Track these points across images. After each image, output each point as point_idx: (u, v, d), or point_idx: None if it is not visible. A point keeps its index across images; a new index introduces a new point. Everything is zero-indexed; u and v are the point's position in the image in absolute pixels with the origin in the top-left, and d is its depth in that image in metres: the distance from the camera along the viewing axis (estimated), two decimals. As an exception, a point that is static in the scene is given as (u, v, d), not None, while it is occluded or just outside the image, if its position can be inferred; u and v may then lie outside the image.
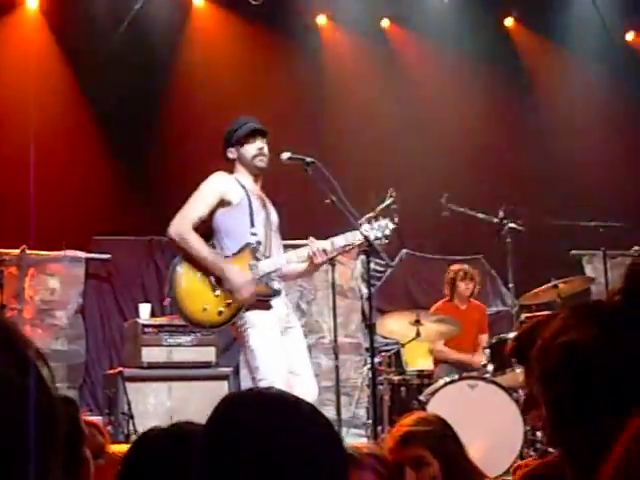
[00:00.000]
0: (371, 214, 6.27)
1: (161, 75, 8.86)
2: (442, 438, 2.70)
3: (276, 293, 4.92)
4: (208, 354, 7.14)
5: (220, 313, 4.81)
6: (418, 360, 7.42)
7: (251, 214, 4.95)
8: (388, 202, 6.60)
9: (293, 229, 7.96)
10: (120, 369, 7.05)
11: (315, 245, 4.96)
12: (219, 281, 4.84)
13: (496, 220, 7.21)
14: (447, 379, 6.44)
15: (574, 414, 1.19)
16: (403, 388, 6.78)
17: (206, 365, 7.16)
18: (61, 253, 7.90)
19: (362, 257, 7.58)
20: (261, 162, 5.05)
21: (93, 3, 8.59)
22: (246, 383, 7.65)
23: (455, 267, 7.35)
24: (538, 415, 1.30)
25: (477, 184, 8.83)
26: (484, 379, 6.58)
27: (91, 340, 7.97)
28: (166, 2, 9.00)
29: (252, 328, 4.80)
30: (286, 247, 7.96)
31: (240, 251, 4.91)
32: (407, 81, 9.64)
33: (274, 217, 5.22)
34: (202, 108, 8.80)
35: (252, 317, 4.82)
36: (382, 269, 8.09)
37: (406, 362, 7.49)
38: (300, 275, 5.45)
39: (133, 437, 6.66)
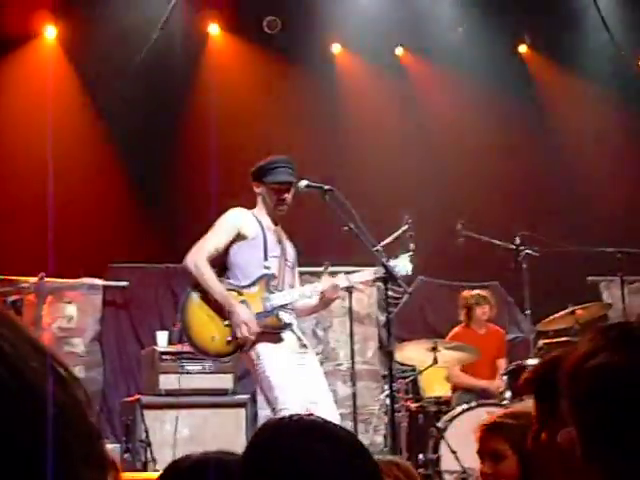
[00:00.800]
0: (388, 240, 6.31)
1: (178, 104, 8.93)
2: (525, 434, 2.70)
3: (286, 326, 5.01)
4: (225, 381, 7.13)
5: (228, 343, 4.91)
6: (435, 387, 7.39)
7: (265, 249, 5.06)
8: (404, 228, 6.64)
9: (311, 256, 7.99)
10: (137, 396, 7.05)
11: (329, 282, 5.08)
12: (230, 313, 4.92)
13: (512, 246, 7.22)
14: (465, 406, 6.43)
15: (609, 436, 1.19)
16: (421, 415, 6.77)
17: (223, 392, 7.15)
18: (79, 281, 7.94)
19: (379, 284, 7.59)
20: (281, 211, 5.18)
21: (111, 33, 8.68)
22: (263, 411, 7.65)
23: (468, 293, 7.35)
24: (569, 436, 1.30)
25: (493, 211, 8.83)
26: (502, 406, 6.56)
27: (108, 367, 7.98)
28: (182, 32, 9.08)
29: (264, 359, 4.87)
30: (303, 274, 7.98)
31: (254, 283, 5.01)
32: (422, 109, 9.68)
33: (290, 253, 5.30)
34: (218, 137, 8.84)
35: (263, 349, 4.90)
36: (398, 295, 8.08)
37: (423, 389, 7.46)
38: (313, 310, 5.50)
39: (150, 465, 6.65)
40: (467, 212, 7.88)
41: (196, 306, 4.98)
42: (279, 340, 4.97)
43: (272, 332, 4.96)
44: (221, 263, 5.07)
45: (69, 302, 7.89)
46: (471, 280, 8.77)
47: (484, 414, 6.24)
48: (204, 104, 9.01)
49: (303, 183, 5.16)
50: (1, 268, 7.59)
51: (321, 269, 7.80)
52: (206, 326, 4.93)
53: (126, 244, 8.32)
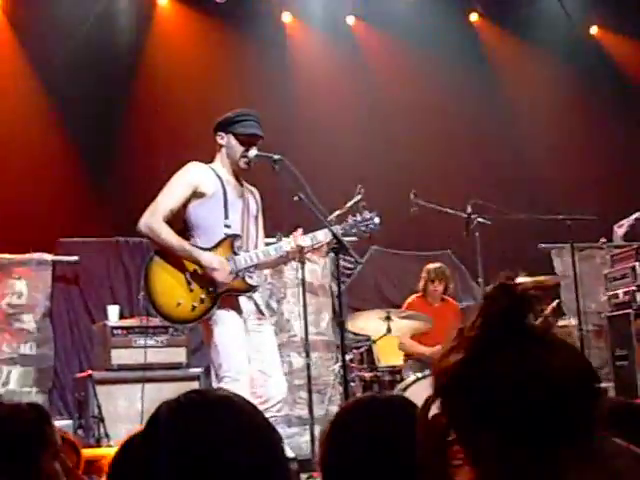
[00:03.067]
0: (341, 210, 6.29)
1: (126, 73, 8.78)
2: None
3: (252, 288, 4.90)
4: (178, 355, 7.10)
5: (193, 308, 4.80)
6: (390, 356, 7.43)
7: (225, 205, 4.92)
8: (356, 199, 6.61)
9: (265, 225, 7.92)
10: (90, 372, 6.99)
11: (294, 243, 4.95)
12: (194, 276, 4.81)
13: (464, 215, 7.23)
14: (419, 374, 6.46)
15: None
16: (375, 385, 6.79)
17: (177, 366, 7.12)
18: (28, 256, 7.80)
19: (331, 254, 7.57)
20: (245, 165, 5.02)
21: (57, 2, 8.50)
22: (217, 384, 7.62)
23: (429, 267, 7.32)
24: None
25: (445, 180, 8.86)
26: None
27: (60, 343, 7.87)
28: (130, 1, 8.92)
29: (218, 326, 4.79)
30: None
31: (218, 244, 4.87)
32: (373, 78, 9.64)
33: (253, 206, 5.16)
34: (166, 107, 8.74)
35: (220, 314, 4.81)
36: (352, 266, 8.08)
37: (378, 359, 7.49)
38: (271, 265, 5.42)
39: (104, 440, 6.60)
40: (419, 181, 7.88)
41: (159, 271, 4.83)
42: (237, 306, 4.86)
43: (234, 295, 4.85)
44: (181, 226, 4.91)
45: (18, 278, 7.75)
46: (424, 249, 8.80)
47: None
48: (153, 73, 8.89)
49: (253, 153, 5.09)
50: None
51: (273, 240, 7.78)
52: (171, 292, 4.80)
53: (76, 218, 8.19)
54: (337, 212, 6.23)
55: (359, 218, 5.02)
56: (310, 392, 6.79)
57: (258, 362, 4.92)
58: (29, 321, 7.75)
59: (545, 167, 9.53)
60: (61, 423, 7.06)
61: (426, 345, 7.03)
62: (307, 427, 7.01)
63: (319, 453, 1.57)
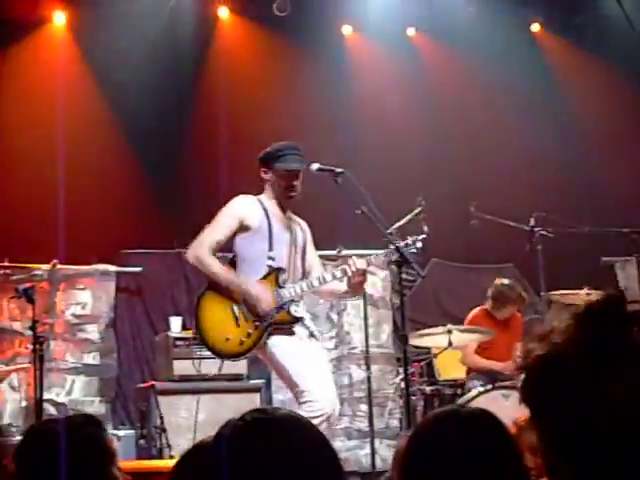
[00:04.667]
0: (401, 222, 6.27)
1: (189, 89, 8.89)
2: None
3: (297, 320, 4.96)
4: (239, 367, 7.10)
5: (242, 343, 4.89)
6: (450, 370, 7.37)
7: (270, 238, 4.98)
8: (417, 211, 6.60)
9: (324, 240, 7.95)
10: (152, 382, 7.06)
11: (356, 265, 4.94)
12: (241, 310, 4.91)
13: (527, 227, 7.16)
14: (481, 389, 6.40)
15: None
16: (436, 398, 6.75)
17: (237, 378, 7.15)
18: (92, 267, 7.92)
19: (392, 267, 7.55)
20: (291, 197, 5.09)
21: (120, 18, 8.64)
22: (278, 395, 7.64)
23: (513, 287, 7.13)
24: None
25: (507, 192, 8.76)
26: (518, 389, 6.51)
27: (123, 354, 7.97)
28: (192, 15, 9.03)
29: (275, 351, 4.87)
30: (319, 257, 7.95)
31: (264, 278, 4.95)
32: (434, 89, 9.60)
33: (300, 238, 5.20)
34: (230, 120, 8.82)
35: (275, 341, 4.89)
36: (412, 278, 8.04)
37: (438, 372, 7.44)
38: (339, 296, 5.40)
39: (166, 451, 6.65)
40: (480, 194, 7.83)
41: (209, 306, 4.95)
42: (291, 334, 4.94)
43: (282, 327, 4.93)
44: (230, 260, 5.05)
45: (82, 289, 7.87)
46: (485, 262, 8.72)
47: (499, 396, 6.23)
48: (215, 88, 8.98)
49: (315, 166, 5.11)
50: (14, 255, 7.60)
51: (334, 252, 7.79)
52: (220, 327, 4.90)
53: (138, 230, 8.31)
54: (398, 224, 6.22)
55: (402, 243, 5.03)
56: (370, 405, 6.79)
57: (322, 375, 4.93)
58: (93, 331, 7.86)
59: (609, 179, 9.37)
60: (124, 433, 7.15)
61: (489, 358, 6.96)
62: (367, 440, 6.99)
63: (396, 467, 1.57)
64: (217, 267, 4.90)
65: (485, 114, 9.39)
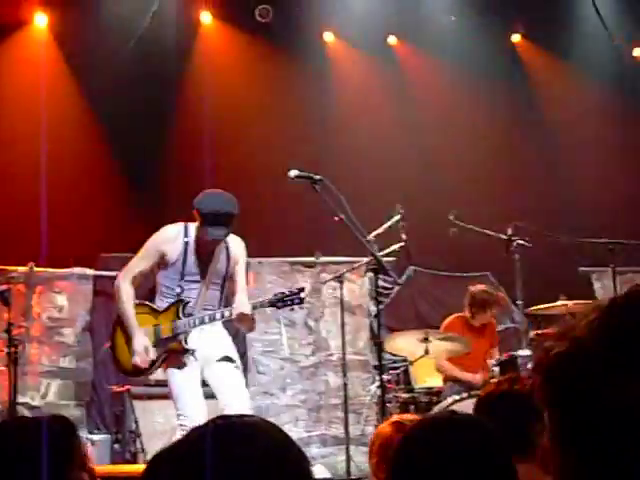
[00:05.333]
0: (380, 230, 6.29)
1: (170, 93, 8.88)
2: None
3: (187, 351, 5.33)
4: (216, 372, 7.11)
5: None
6: (427, 378, 7.38)
7: (182, 272, 5.34)
8: (396, 218, 6.62)
9: (301, 245, 7.97)
10: (127, 387, 7.03)
11: (237, 310, 5.22)
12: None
13: (504, 236, 7.19)
14: (456, 397, 6.42)
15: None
16: (412, 406, 6.75)
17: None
18: (69, 270, 7.89)
19: (370, 274, 7.57)
20: (210, 247, 5.35)
21: (102, 21, 8.62)
22: (254, 401, 7.63)
23: (494, 295, 7.17)
24: None
25: (484, 201, 8.81)
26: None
27: (98, 357, 7.94)
28: (174, 20, 9.03)
29: (170, 377, 5.38)
30: (295, 264, 7.97)
31: (169, 307, 5.35)
32: (413, 97, 9.64)
33: (222, 268, 5.43)
34: (209, 123, 8.82)
35: (170, 370, 5.37)
36: (390, 286, 8.06)
37: (415, 380, 7.45)
38: (244, 327, 5.60)
39: (140, 456, 6.63)
40: (459, 202, 7.86)
41: (118, 331, 5.49)
42: (182, 366, 5.33)
43: (177, 354, 5.34)
44: (152, 284, 5.54)
45: (59, 292, 7.84)
46: (462, 270, 8.75)
47: (472, 405, 6.25)
48: (196, 92, 8.98)
49: (293, 173, 5.12)
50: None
51: (312, 259, 7.81)
52: (125, 347, 5.41)
53: (116, 234, 8.27)
54: (376, 232, 6.24)
55: (287, 292, 5.32)
56: (346, 412, 6.79)
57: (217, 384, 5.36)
58: (69, 335, 7.83)
59: (588, 190, 9.43)
60: (98, 437, 7.12)
61: (462, 367, 6.98)
62: (343, 447, 7.00)
63: (375, 454, 1.57)
64: (126, 300, 5.38)
65: (465, 122, 9.43)
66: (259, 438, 1.46)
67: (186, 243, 5.33)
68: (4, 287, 5.94)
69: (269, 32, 9.03)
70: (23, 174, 8.27)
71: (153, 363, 5.35)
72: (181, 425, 5.20)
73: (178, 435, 5.07)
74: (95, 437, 7.12)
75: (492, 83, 9.51)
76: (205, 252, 5.36)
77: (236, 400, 5.26)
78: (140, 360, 5.30)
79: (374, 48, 9.56)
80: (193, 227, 5.34)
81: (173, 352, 5.34)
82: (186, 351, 5.33)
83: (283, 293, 5.31)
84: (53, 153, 8.32)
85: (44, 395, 7.66)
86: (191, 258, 5.34)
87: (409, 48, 9.77)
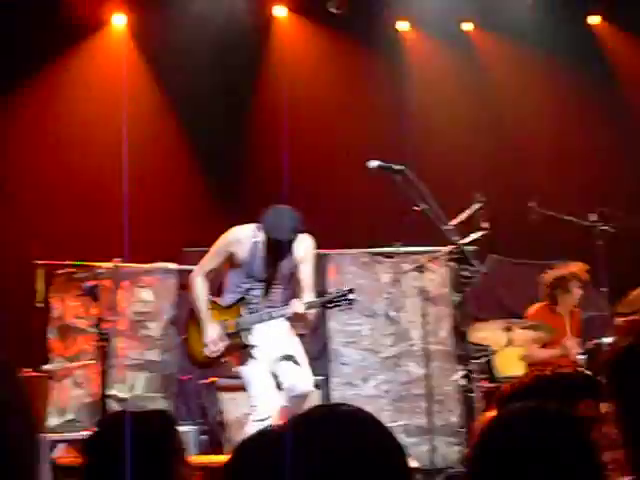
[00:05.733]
0: (460, 219, 6.26)
1: (247, 87, 8.97)
2: None
3: (246, 347, 5.62)
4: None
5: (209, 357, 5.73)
6: (509, 367, 7.31)
7: (249, 272, 5.61)
8: (476, 207, 6.57)
9: (383, 236, 7.96)
10: (213, 378, 7.13)
11: (291, 309, 5.47)
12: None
13: (587, 223, 7.08)
14: (541, 386, 6.34)
15: None
16: (495, 395, 6.70)
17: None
18: (153, 265, 8.03)
19: (452, 264, 7.53)
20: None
21: (178, 19, 8.74)
22: (337, 392, 7.67)
23: (568, 270, 7.01)
24: None
25: (567, 187, 8.67)
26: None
27: (184, 350, 8.04)
28: (249, 15, 9.09)
29: (241, 371, 5.71)
30: (376, 254, 7.96)
31: (234, 304, 5.65)
32: (491, 84, 9.53)
33: (286, 269, 5.63)
34: (287, 117, 8.86)
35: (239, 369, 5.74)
36: (470, 275, 7.99)
37: (497, 369, 7.39)
38: (304, 326, 5.91)
39: (227, 446, 6.72)
40: (540, 189, 7.76)
41: (192, 324, 5.79)
42: (246, 358, 5.65)
43: (240, 349, 5.67)
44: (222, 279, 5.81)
45: (144, 287, 7.98)
46: (544, 258, 8.63)
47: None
48: (273, 85, 9.04)
49: (373, 164, 5.14)
50: (77, 255, 7.75)
51: (392, 249, 7.79)
52: (197, 339, 5.71)
53: (200, 228, 8.38)
54: (457, 220, 6.21)
55: (335, 292, 5.55)
56: (430, 402, 6.78)
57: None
58: (155, 328, 7.96)
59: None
60: (185, 429, 7.24)
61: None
62: (426, 437, 6.98)
63: (468, 460, 1.56)
64: (199, 297, 5.70)
65: (542, 106, 9.29)
66: (356, 427, 1.47)
67: (255, 244, 5.56)
68: (93, 283, 6.08)
69: (343, 23, 9.03)
70: (106, 172, 8.44)
71: (221, 355, 5.65)
72: (251, 416, 5.52)
73: (249, 427, 5.42)
74: (182, 428, 7.22)
75: (570, 67, 9.33)
76: (272, 254, 5.55)
77: (300, 382, 5.53)
78: (210, 350, 5.60)
79: (449, 35, 9.47)
80: (261, 232, 5.53)
81: (236, 347, 5.65)
82: (246, 346, 5.64)
83: (331, 293, 5.55)
84: (135, 151, 8.45)
85: (131, 388, 7.82)
86: (259, 259, 5.58)
87: (485, 34, 9.65)
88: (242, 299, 5.65)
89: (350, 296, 5.47)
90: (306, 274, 5.65)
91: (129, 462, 2.25)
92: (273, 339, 5.66)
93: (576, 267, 6.97)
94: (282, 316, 5.58)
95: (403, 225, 7.02)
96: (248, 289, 5.64)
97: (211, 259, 5.74)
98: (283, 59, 9.13)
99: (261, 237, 5.52)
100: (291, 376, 5.56)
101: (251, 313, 5.63)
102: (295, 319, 5.58)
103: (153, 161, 8.54)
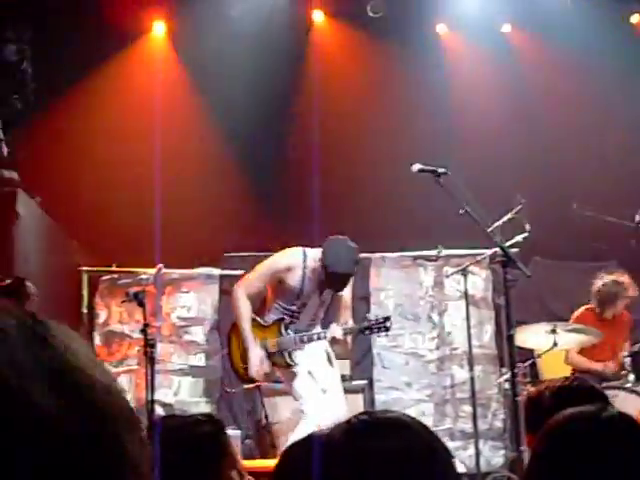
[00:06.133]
0: (502, 221, 6.22)
1: (286, 92, 9.00)
2: None
3: (290, 367, 5.73)
4: (342, 367, 7.14)
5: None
6: (554, 370, 7.25)
7: (297, 297, 5.68)
8: (517, 208, 6.53)
9: (423, 239, 7.93)
10: (257, 383, 7.15)
11: (329, 334, 5.62)
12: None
13: (631, 224, 7.00)
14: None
15: None
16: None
17: (340, 378, 7.17)
18: (195, 271, 8.08)
19: (494, 266, 7.48)
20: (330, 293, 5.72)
21: (217, 27, 8.80)
22: (381, 396, 7.66)
23: (619, 279, 6.96)
24: None
25: (609, 188, 8.57)
26: (625, 389, 6.40)
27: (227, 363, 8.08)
28: (287, 20, 9.13)
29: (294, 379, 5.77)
30: (417, 258, 7.93)
31: (274, 323, 5.72)
32: (531, 85, 9.46)
33: (328, 296, 5.76)
34: (327, 122, 8.87)
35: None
36: (513, 278, 7.93)
37: (542, 372, 7.33)
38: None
39: (271, 451, 6.74)
40: (582, 190, 7.69)
41: (234, 339, 5.87)
42: (290, 376, 5.75)
43: (283, 368, 5.79)
44: (265, 299, 5.88)
45: (187, 292, 8.04)
46: (588, 259, 8.55)
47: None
48: (312, 89, 9.05)
49: (416, 167, 5.13)
50: (121, 260, 7.82)
51: (435, 252, 7.77)
52: (238, 356, 5.82)
53: (241, 233, 8.44)
54: (499, 222, 6.17)
55: (374, 320, 5.63)
56: (474, 406, 6.74)
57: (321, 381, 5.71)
58: (198, 333, 8.02)
59: None
60: (230, 433, 7.26)
61: (594, 359, 6.83)
62: (471, 441, 6.95)
63: (530, 467, 1.54)
64: (243, 315, 5.70)
65: (584, 107, 9.20)
66: (404, 432, 1.47)
67: (304, 271, 5.65)
68: (138, 289, 6.13)
69: (382, 26, 9.03)
70: (146, 178, 8.52)
71: (265, 375, 5.78)
72: (302, 424, 5.56)
73: (299, 429, 5.51)
74: (232, 432, 7.27)
75: (612, 67, 9.23)
76: (333, 286, 5.67)
77: (335, 405, 5.60)
78: (255, 372, 5.68)
79: (488, 38, 9.42)
80: (312, 255, 5.65)
81: (278, 365, 5.77)
82: (288, 367, 5.76)
83: (370, 320, 5.62)
84: (175, 157, 8.53)
85: (176, 392, 7.88)
86: (308, 285, 5.66)
87: (524, 35, 9.59)
88: (281, 319, 5.75)
89: (387, 324, 5.57)
90: (345, 298, 5.82)
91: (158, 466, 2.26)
92: (312, 358, 5.79)
93: (629, 282, 6.91)
94: (320, 339, 5.69)
95: (445, 228, 7.01)
96: (295, 311, 5.73)
97: (258, 280, 5.79)
98: (321, 62, 9.15)
99: (310, 265, 5.64)
100: (325, 407, 5.59)
101: (292, 333, 5.72)
102: (333, 342, 5.70)
103: (193, 166, 8.60)
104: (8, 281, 5.67)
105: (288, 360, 5.73)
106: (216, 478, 2.32)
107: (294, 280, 5.66)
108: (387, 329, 5.58)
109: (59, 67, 8.54)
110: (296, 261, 5.68)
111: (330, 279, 5.54)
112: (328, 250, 5.53)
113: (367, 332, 5.66)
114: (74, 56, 8.52)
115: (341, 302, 5.81)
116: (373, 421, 1.49)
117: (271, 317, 5.78)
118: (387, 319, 5.59)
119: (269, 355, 5.72)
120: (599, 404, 2.10)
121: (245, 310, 5.73)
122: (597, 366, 6.77)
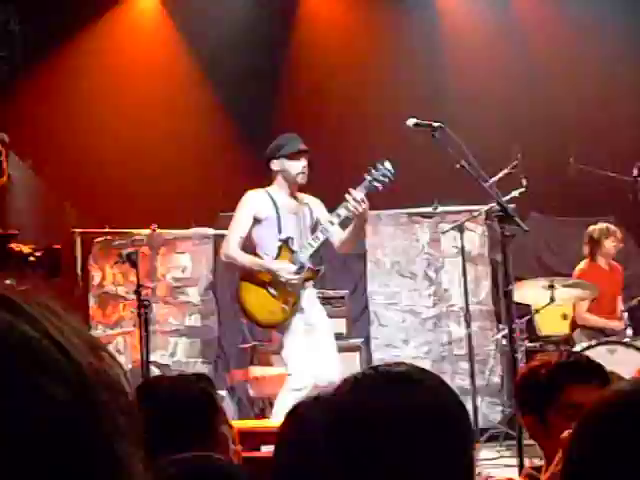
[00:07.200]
0: (499, 176, 6.17)
1: (279, 48, 8.91)
2: None
3: (319, 273, 5.78)
4: (339, 326, 7.12)
5: (285, 310, 5.61)
6: (551, 325, 7.26)
7: (279, 224, 5.64)
8: (514, 163, 6.47)
9: (419, 195, 7.88)
10: (253, 343, 7.14)
11: (351, 197, 5.35)
12: (271, 286, 5.62)
13: (629, 178, 6.95)
14: (584, 344, 6.31)
15: None
16: (539, 355, 6.64)
17: (337, 337, 7.14)
18: (190, 231, 8.02)
19: (490, 222, 7.43)
20: (303, 180, 5.68)
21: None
22: (377, 353, 7.65)
23: (599, 225, 7.11)
24: None
25: (607, 143, 8.50)
26: (623, 344, 6.41)
27: (223, 316, 8.06)
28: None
29: (287, 335, 5.64)
30: (413, 215, 7.89)
31: (278, 253, 5.64)
32: (530, 38, 9.33)
33: (309, 220, 5.77)
34: (318, 82, 8.79)
35: (289, 328, 5.64)
36: (509, 234, 7.88)
37: (539, 328, 7.34)
38: (353, 239, 5.72)
39: (267, 410, 6.74)
40: (579, 144, 7.62)
41: (247, 295, 5.68)
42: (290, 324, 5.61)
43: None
44: (250, 248, 5.78)
45: (182, 252, 7.99)
46: (585, 215, 8.50)
47: (605, 352, 6.10)
48: (303, 48, 8.96)
49: (411, 121, 5.03)
50: (114, 222, 7.76)
51: (430, 209, 7.71)
52: (262, 306, 5.62)
53: (235, 193, 8.36)
54: (496, 177, 6.11)
55: (373, 172, 5.48)
56: (472, 362, 6.73)
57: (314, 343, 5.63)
58: (193, 294, 7.99)
59: None
60: (226, 394, 7.27)
61: (592, 311, 6.87)
62: (468, 397, 6.94)
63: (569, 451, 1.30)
64: (245, 258, 5.65)
65: (581, 63, 9.08)
66: (414, 390, 1.43)
67: (274, 201, 5.68)
68: (131, 250, 6.08)
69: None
70: (142, 139, 8.44)
71: (297, 300, 5.60)
72: (287, 385, 5.51)
73: (284, 395, 5.45)
74: (223, 393, 7.27)
75: (614, 21, 9.10)
76: (295, 198, 5.71)
77: (327, 370, 5.47)
78: (287, 273, 5.53)
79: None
80: (274, 188, 5.73)
81: (305, 285, 5.65)
82: (317, 274, 5.76)
83: (372, 173, 5.48)
84: (168, 117, 8.46)
85: (172, 353, 7.87)
86: (284, 213, 5.67)
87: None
88: (283, 242, 5.66)
89: (386, 164, 5.49)
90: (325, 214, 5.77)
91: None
92: (316, 316, 5.76)
93: (612, 227, 7.01)
94: (344, 215, 5.48)
95: (441, 184, 6.95)
96: (285, 239, 5.66)
97: (237, 229, 5.74)
98: (315, 18, 9.05)
99: (276, 196, 5.68)
100: (320, 365, 5.55)
101: (301, 249, 5.63)
102: (358, 216, 5.42)
103: (187, 127, 8.53)
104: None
105: (313, 266, 5.66)
106: (209, 433, 2.33)
107: (267, 210, 5.68)
108: (392, 173, 5.50)
109: (47, 27, 8.42)
110: (259, 194, 5.77)
111: (294, 159, 5.59)
112: (280, 142, 5.71)
113: (375, 184, 5.48)
114: (63, 16, 8.40)
115: (329, 215, 5.69)
116: (381, 376, 1.45)
117: (271, 250, 5.68)
118: (385, 160, 5.53)
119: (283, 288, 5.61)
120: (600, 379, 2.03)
121: (244, 255, 5.67)
122: (612, 324, 6.82)
